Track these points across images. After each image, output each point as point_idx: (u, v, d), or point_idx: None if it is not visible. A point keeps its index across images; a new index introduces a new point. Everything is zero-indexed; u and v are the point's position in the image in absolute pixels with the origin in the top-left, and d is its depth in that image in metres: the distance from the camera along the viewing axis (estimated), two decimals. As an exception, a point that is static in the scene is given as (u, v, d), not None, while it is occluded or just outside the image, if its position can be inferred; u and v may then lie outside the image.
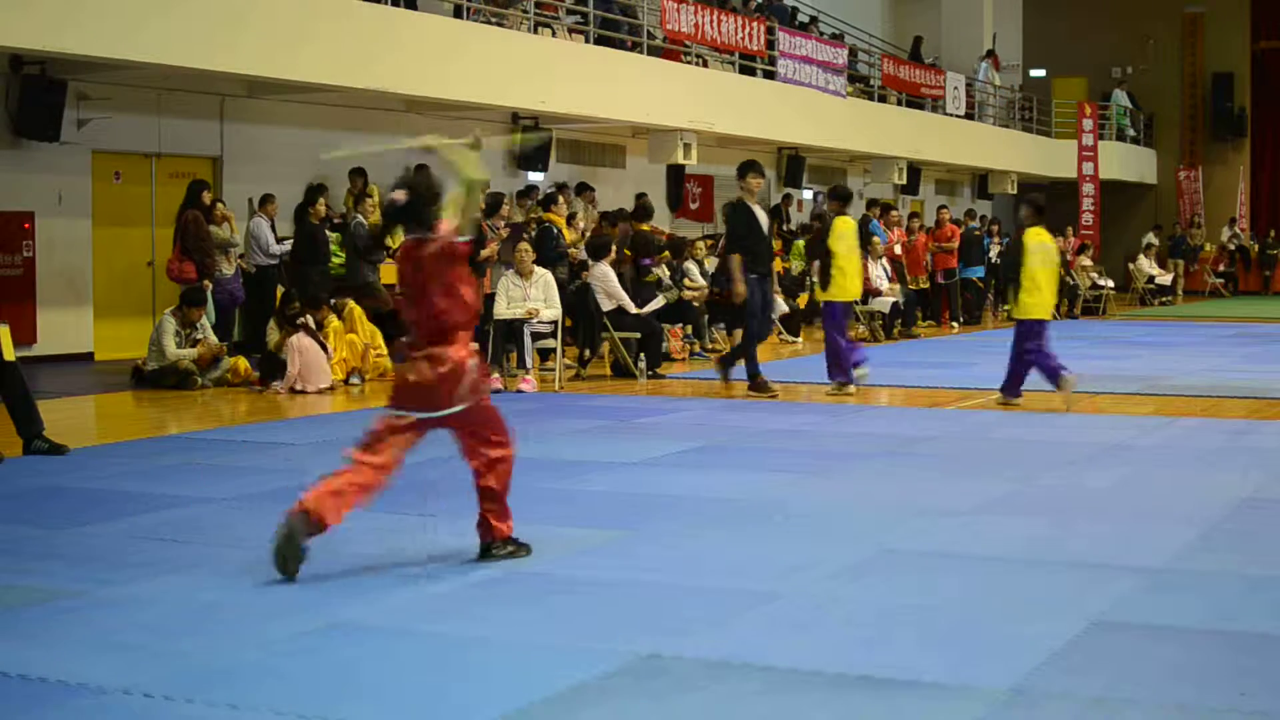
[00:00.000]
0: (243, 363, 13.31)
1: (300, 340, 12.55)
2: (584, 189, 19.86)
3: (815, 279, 12.95)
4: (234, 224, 15.18)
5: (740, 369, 12.48)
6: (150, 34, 13.09)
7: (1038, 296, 11.65)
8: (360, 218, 15.66)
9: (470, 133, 6.51)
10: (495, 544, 6.02)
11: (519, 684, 4.36)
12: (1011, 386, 11.75)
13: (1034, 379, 12.04)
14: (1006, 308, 11.86)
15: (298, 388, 12.45)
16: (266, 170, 16.53)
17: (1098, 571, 5.80)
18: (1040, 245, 11.76)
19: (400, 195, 5.93)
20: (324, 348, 12.78)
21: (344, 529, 6.66)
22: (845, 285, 12.70)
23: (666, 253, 16.23)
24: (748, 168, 12.45)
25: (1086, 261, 26.50)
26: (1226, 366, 15.20)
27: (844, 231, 12.76)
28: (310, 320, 12.82)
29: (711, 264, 17.82)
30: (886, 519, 6.89)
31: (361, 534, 6.56)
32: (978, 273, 23.30)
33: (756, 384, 12.29)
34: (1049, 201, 11.87)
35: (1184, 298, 30.84)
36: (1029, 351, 11.62)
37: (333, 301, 13.65)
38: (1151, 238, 31.95)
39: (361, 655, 4.68)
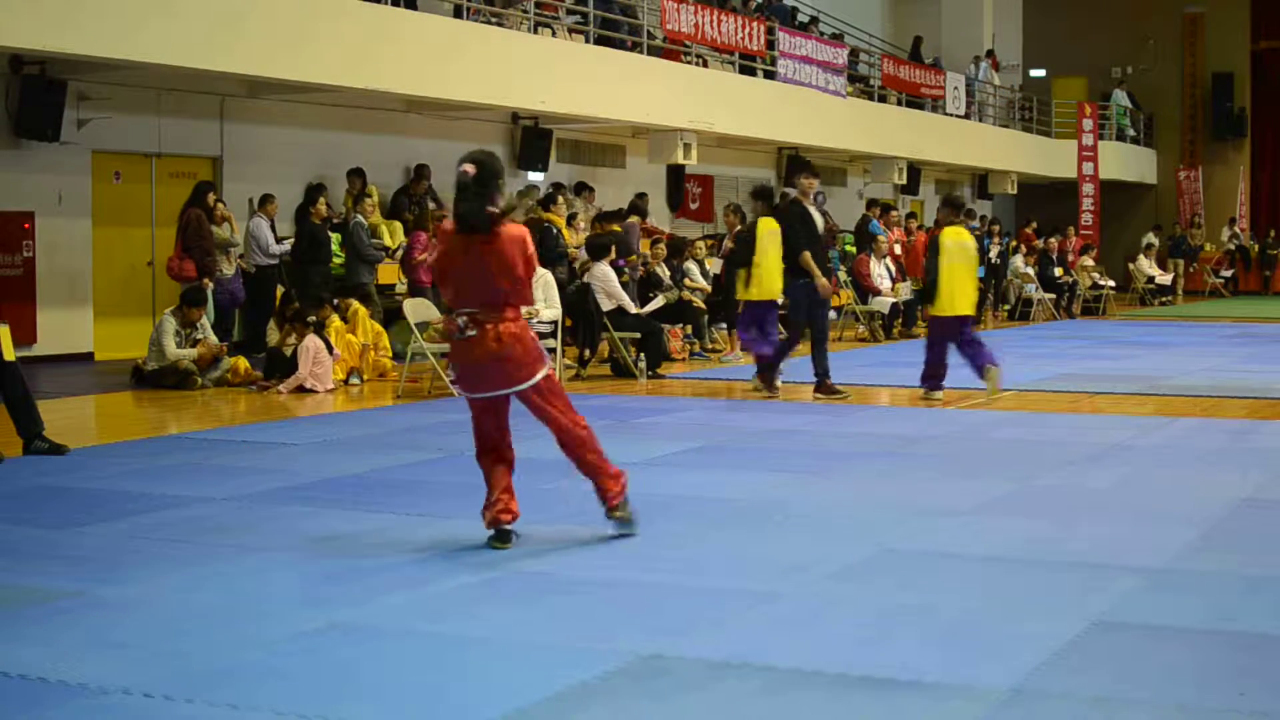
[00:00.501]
0: (243, 362, 13.32)
1: (314, 340, 12.59)
2: (582, 189, 19.88)
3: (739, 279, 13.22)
4: (234, 224, 15.19)
5: (778, 362, 12.47)
6: (150, 34, 13.09)
7: (953, 295, 12.01)
8: (360, 218, 15.67)
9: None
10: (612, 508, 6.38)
11: (519, 684, 4.36)
12: (934, 379, 12.06)
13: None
14: (926, 308, 12.31)
15: (308, 386, 12.47)
16: (266, 170, 16.54)
17: (1098, 571, 5.79)
18: (958, 244, 12.20)
19: (470, 168, 6.06)
20: (330, 349, 12.80)
21: (344, 529, 6.68)
22: (765, 285, 12.81)
23: (635, 256, 16.24)
24: (800, 168, 12.52)
25: (1089, 262, 26.57)
26: (1226, 366, 15.19)
27: (763, 232, 12.92)
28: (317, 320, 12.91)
29: (713, 264, 17.82)
30: (886, 519, 6.88)
31: (361, 534, 6.57)
32: (978, 272, 23.28)
33: (764, 379, 12.26)
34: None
35: (1184, 298, 30.84)
36: (967, 343, 12.09)
37: (335, 301, 13.66)
38: (1151, 238, 31.96)
39: (361, 655, 4.68)
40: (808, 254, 11.98)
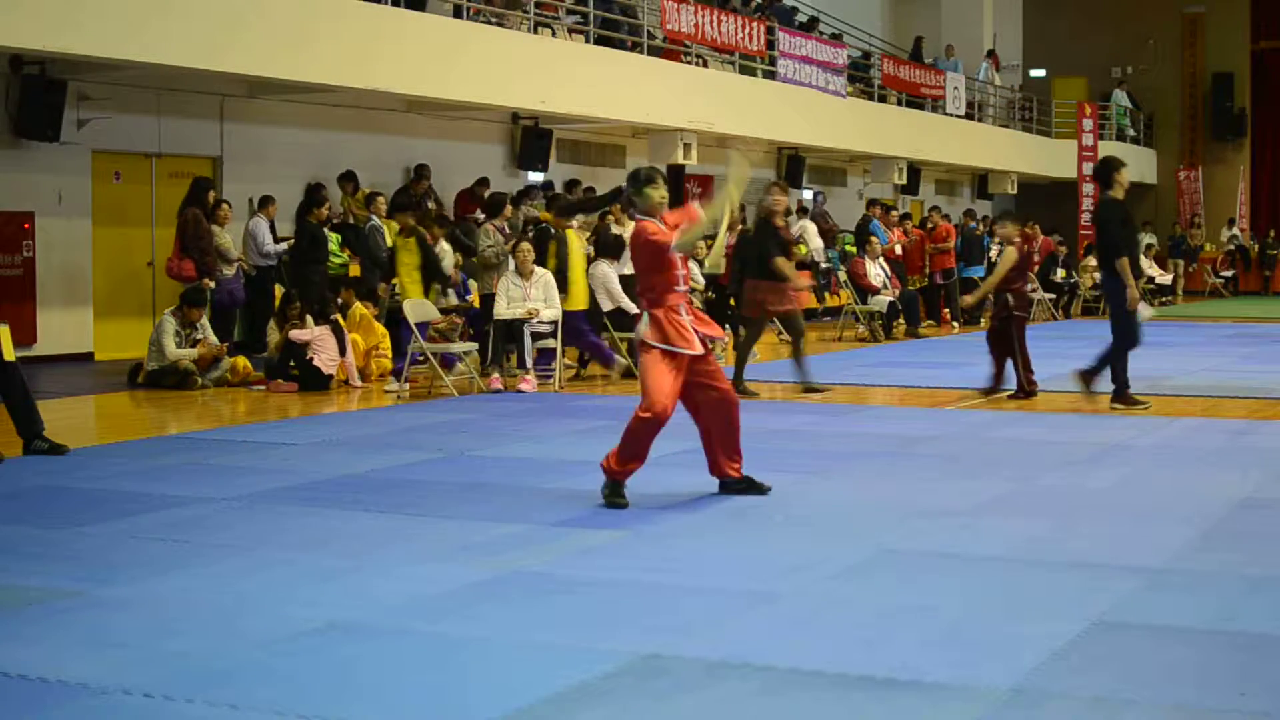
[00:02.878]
0: (242, 360, 13.33)
1: (321, 328, 12.73)
2: (574, 188, 19.89)
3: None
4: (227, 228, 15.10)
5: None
6: (150, 34, 13.09)
7: (580, 289, 13.15)
8: (375, 219, 15.59)
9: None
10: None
11: (519, 684, 4.36)
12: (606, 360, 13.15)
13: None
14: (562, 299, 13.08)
15: (315, 364, 12.63)
16: (266, 170, 16.54)
17: (1098, 571, 5.79)
18: (582, 245, 13.32)
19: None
20: (343, 349, 12.88)
21: (344, 529, 6.68)
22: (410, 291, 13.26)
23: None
24: (1119, 164, 11.51)
25: (1093, 262, 26.58)
26: (1226, 366, 15.18)
27: (405, 243, 13.33)
28: (340, 318, 13.09)
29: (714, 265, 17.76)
30: (886, 519, 6.88)
31: (361, 534, 6.57)
32: (978, 272, 23.34)
33: (1124, 397, 11.35)
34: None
35: (1184, 298, 30.84)
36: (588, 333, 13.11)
37: (339, 302, 13.68)
38: (1150, 238, 31.98)
39: (361, 655, 4.68)
40: (1125, 260, 11.10)
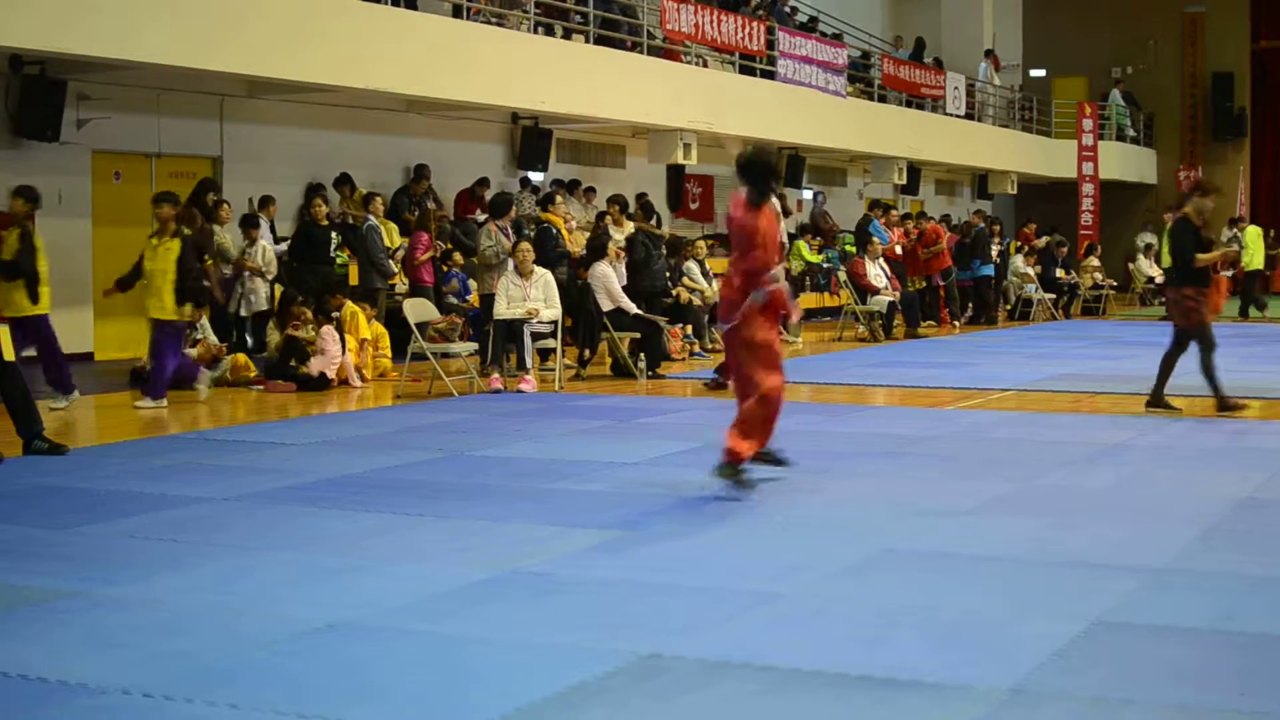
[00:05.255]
0: (241, 357, 13.34)
1: (329, 328, 12.78)
2: (575, 188, 19.88)
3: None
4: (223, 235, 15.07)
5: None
6: (150, 34, 13.09)
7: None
8: (372, 218, 15.59)
9: None
10: (724, 464, 7.44)
11: (519, 684, 4.36)
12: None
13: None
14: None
15: (327, 374, 12.74)
16: (266, 170, 16.53)
17: (1098, 571, 5.79)
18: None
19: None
20: (341, 344, 12.91)
21: (344, 529, 6.68)
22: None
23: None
24: None
25: (1095, 262, 26.68)
26: (1226, 366, 15.11)
27: (6, 236, 11.09)
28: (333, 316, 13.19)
29: (715, 264, 17.81)
30: (886, 519, 6.89)
31: (361, 534, 6.57)
32: (989, 270, 23.34)
33: None
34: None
35: (1184, 298, 30.77)
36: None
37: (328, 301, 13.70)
38: (1149, 238, 31.97)
39: (362, 655, 4.68)
40: None
